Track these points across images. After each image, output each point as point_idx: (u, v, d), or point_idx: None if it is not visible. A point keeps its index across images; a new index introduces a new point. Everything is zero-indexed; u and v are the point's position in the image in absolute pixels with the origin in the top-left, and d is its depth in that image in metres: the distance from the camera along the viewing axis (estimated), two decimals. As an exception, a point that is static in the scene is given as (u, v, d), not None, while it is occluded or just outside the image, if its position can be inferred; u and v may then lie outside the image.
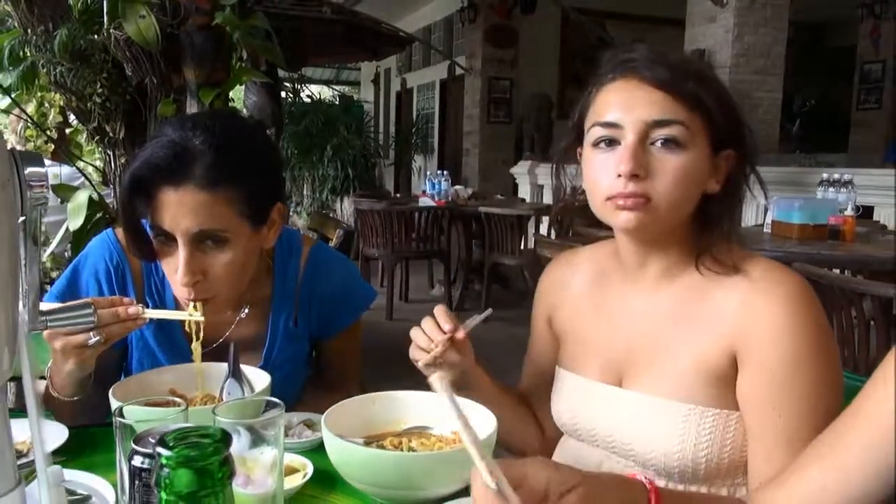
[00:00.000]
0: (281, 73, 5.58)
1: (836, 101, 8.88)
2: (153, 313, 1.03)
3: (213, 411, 0.74)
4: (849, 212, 2.95)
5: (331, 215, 8.29)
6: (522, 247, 4.86)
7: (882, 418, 0.67)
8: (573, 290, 1.07)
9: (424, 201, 5.84)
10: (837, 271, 2.53)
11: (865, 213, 3.69)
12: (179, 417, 0.76)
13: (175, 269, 1.03)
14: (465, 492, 0.83)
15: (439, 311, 0.99)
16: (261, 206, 1.08)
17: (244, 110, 4.69)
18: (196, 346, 1.05)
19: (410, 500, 0.85)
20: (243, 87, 4.65)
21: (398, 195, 9.57)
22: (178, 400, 0.82)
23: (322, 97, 11.18)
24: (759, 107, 4.45)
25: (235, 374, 1.02)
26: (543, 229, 5.17)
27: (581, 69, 8.59)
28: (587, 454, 1.00)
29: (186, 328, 1.07)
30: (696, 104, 0.86)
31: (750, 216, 4.12)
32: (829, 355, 0.85)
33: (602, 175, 0.89)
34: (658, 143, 0.86)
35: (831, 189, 3.19)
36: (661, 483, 0.91)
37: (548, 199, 6.24)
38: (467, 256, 5.72)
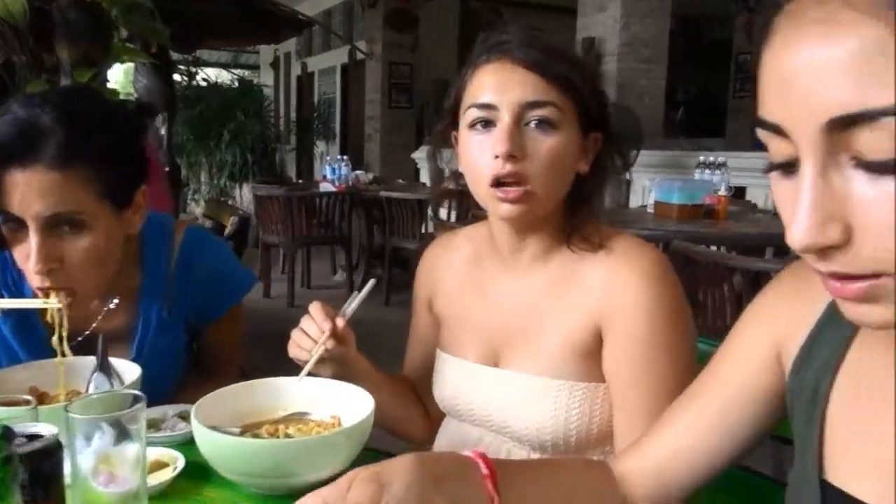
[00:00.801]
0: (175, 55, 5.34)
1: (715, 89, 9.38)
2: (3, 303, 0.96)
3: (66, 408, 0.69)
4: (722, 192, 3.13)
5: (230, 202, 8.03)
6: (423, 230, 4.89)
7: (730, 382, 0.70)
8: (451, 272, 1.08)
9: (325, 187, 5.77)
10: (714, 248, 2.69)
11: (739, 193, 3.93)
12: (27, 416, 0.72)
13: (27, 256, 0.96)
14: (342, 475, 0.83)
15: (315, 308, 0.98)
16: (122, 187, 1.02)
17: (134, 93, 4.46)
18: (55, 340, 0.99)
19: (286, 487, 0.83)
20: (134, 69, 4.42)
21: (300, 181, 9.38)
22: (28, 398, 0.77)
23: (219, 81, 10.80)
24: (645, 94, 4.66)
25: (103, 367, 0.97)
26: (443, 213, 5.21)
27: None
28: (467, 432, 1.02)
29: (48, 319, 1.00)
30: (567, 87, 0.88)
31: (636, 198, 4.31)
32: (684, 327, 0.90)
33: (480, 157, 0.90)
34: (532, 124, 0.88)
35: (707, 171, 3.37)
36: (535, 456, 0.95)
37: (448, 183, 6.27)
38: (369, 241, 5.69)
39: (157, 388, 1.03)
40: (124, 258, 1.10)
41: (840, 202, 0.43)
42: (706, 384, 0.73)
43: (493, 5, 7.89)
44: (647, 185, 3.37)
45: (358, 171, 6.34)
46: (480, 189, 0.91)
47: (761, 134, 0.47)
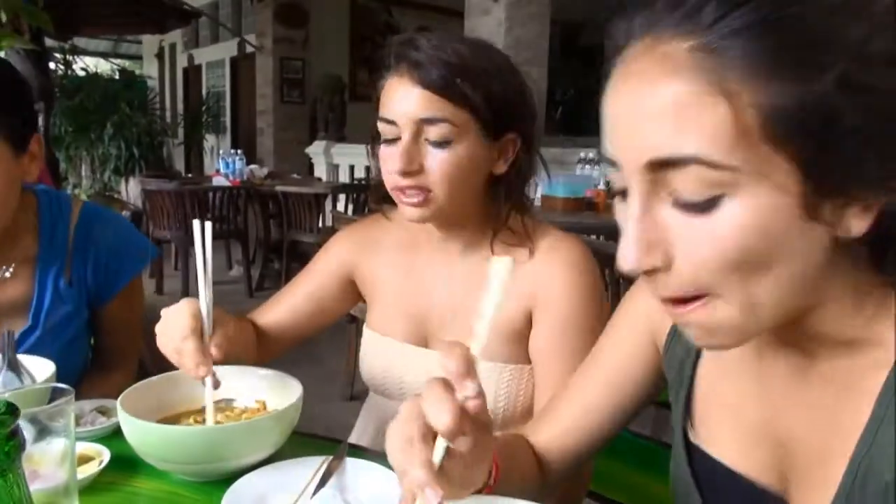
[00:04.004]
0: (50, 42, 5.03)
1: (590, 91, 9.77)
2: None
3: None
4: (601, 186, 3.37)
5: (115, 197, 7.68)
6: (320, 224, 4.91)
7: (610, 363, 0.78)
8: (380, 252, 1.11)
9: (219, 181, 5.67)
10: (595, 237, 2.91)
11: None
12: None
13: None
14: (269, 460, 0.86)
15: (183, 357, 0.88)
16: (21, 132, 1.05)
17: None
18: None
19: (216, 472, 0.85)
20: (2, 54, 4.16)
21: (190, 175, 9.09)
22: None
23: (99, 71, 10.26)
24: (529, 94, 4.82)
25: (12, 364, 0.96)
26: (340, 206, 5.24)
27: (371, 52, 8.69)
28: (394, 410, 1.10)
29: None
30: (463, 102, 0.92)
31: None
32: (600, 308, 0.98)
33: (385, 167, 0.96)
34: (429, 139, 0.92)
35: (587, 166, 3.61)
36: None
37: (343, 177, 6.29)
38: (265, 235, 5.64)
39: (62, 372, 1.04)
40: (22, 228, 1.12)
41: (661, 232, 0.48)
42: (598, 359, 0.80)
43: (383, 4, 7.92)
44: (533, 180, 3.55)
45: (252, 166, 6.25)
46: (391, 192, 0.98)
47: (605, 163, 0.53)
